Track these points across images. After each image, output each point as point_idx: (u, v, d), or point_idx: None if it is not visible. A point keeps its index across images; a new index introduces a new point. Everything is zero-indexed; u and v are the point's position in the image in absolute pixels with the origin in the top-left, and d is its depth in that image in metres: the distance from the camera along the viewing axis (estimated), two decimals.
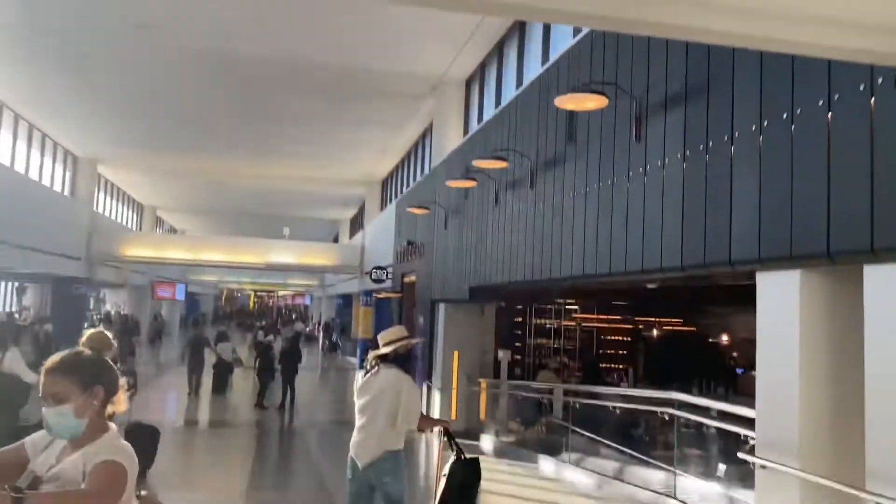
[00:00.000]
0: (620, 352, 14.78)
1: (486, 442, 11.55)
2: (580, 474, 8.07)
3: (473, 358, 13.03)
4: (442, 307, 12.92)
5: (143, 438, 7.29)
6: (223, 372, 16.81)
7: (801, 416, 4.24)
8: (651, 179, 5.89)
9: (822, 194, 4.08)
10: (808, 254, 4.20)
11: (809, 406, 4.27)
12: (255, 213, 34.05)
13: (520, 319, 15.05)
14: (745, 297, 5.00)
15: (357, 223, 34.75)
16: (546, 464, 9.10)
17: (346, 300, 35.71)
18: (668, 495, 6.33)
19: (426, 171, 16.55)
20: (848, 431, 4.15)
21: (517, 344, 14.44)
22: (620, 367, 14.05)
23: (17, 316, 29.39)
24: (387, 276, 19.02)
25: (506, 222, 9.44)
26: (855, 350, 3.99)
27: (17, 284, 32.42)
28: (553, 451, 9.11)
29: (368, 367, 5.13)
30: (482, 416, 12.92)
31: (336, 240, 38.40)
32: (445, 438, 5.29)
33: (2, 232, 17.01)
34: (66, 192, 23.44)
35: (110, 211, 30.26)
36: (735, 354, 13.62)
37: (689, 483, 6.26)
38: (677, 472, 6.27)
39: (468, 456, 5.22)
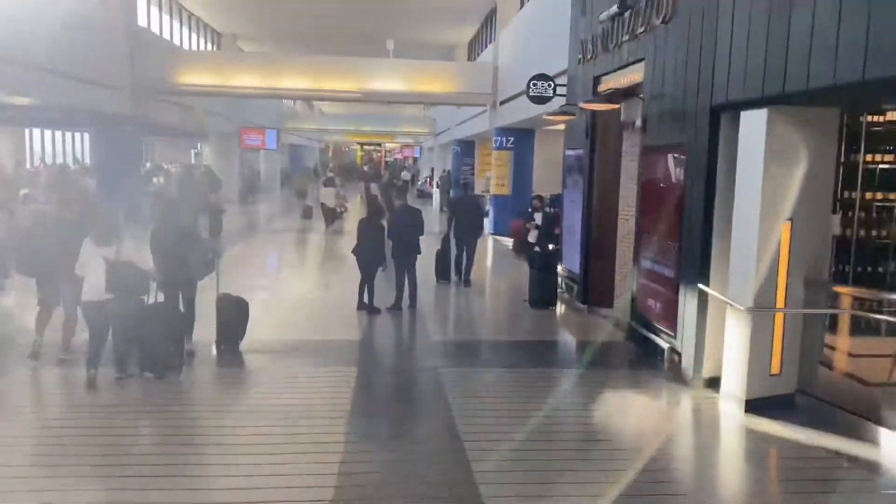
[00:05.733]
0: None
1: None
2: None
3: (818, 234, 5.78)
4: (759, 119, 5.52)
5: (231, 311, 7.31)
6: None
7: None
8: None
9: None
10: None
11: None
12: (350, 34, 26.58)
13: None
14: None
15: (479, 44, 26.82)
16: None
17: (467, 147, 28.64)
18: None
19: None
20: None
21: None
22: None
23: (72, 167, 24.56)
24: (554, 90, 11.58)
25: None
26: None
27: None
28: None
29: None
30: (841, 367, 5.86)
31: None
32: None
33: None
34: None
35: (178, 42, 23.97)
36: None
37: None
38: None
39: None
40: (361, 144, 68.84)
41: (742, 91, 5.58)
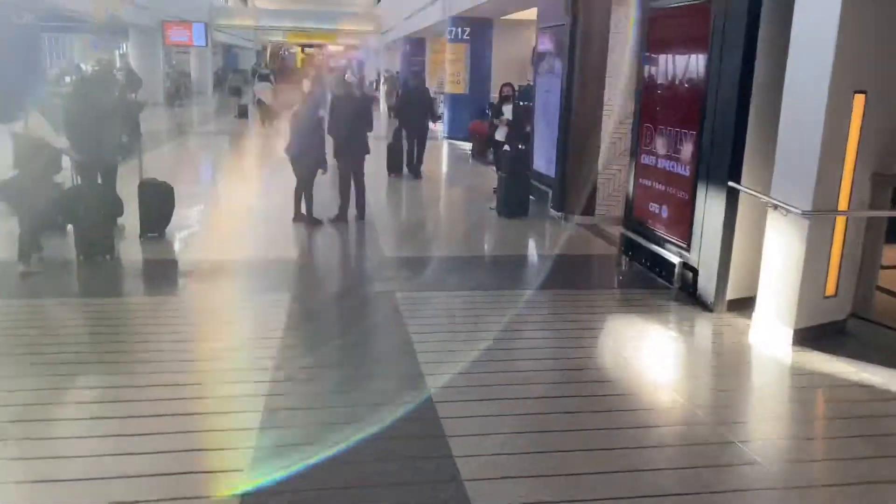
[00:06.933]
0: None
1: None
2: None
3: (891, 112, 4.44)
4: None
5: (154, 196, 6.89)
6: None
7: None
8: None
9: None
10: None
11: None
12: None
13: None
14: None
15: None
16: None
17: (417, 45, 26.47)
18: None
19: None
20: None
21: None
22: None
23: None
24: None
25: None
26: None
27: None
28: None
29: None
30: None
31: None
32: None
33: None
34: None
35: None
36: None
37: None
38: None
39: None
40: (302, 46, 64.61)
41: None
